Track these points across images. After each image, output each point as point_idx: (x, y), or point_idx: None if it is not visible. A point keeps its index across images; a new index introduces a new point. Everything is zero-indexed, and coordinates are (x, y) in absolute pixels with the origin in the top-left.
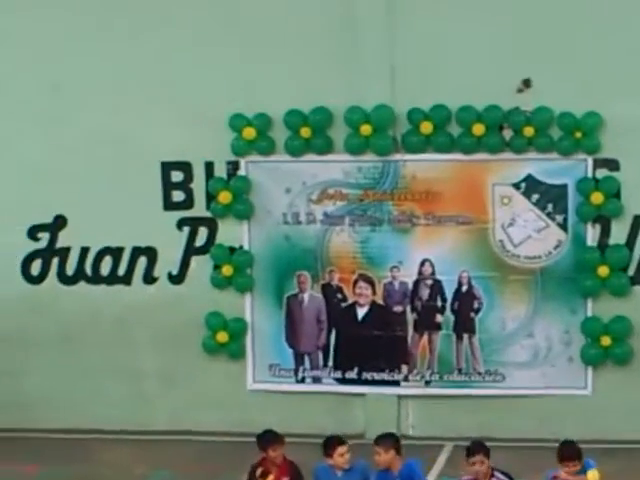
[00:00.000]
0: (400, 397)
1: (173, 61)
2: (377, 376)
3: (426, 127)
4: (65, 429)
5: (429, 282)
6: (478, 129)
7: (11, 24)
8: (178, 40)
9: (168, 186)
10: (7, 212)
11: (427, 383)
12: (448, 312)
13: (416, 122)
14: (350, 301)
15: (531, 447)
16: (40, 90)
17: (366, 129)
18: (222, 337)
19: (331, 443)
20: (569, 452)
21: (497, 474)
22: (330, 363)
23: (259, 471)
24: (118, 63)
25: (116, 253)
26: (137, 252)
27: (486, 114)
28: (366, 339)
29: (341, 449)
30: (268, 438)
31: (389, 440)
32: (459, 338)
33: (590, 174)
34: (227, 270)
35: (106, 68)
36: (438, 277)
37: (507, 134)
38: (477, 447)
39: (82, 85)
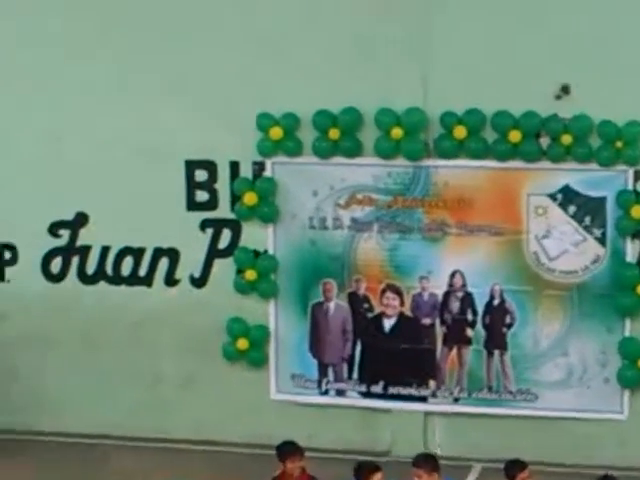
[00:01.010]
0: (427, 414)
1: (200, 60)
2: (403, 391)
3: (460, 132)
4: (82, 433)
5: (460, 294)
6: (514, 136)
7: (42, 24)
8: (204, 40)
9: (192, 186)
10: (28, 208)
11: (455, 400)
12: (479, 326)
13: (449, 126)
14: (377, 311)
15: (563, 472)
16: (66, 88)
17: (397, 132)
18: (243, 344)
19: (366, 470)
20: None
21: None
22: (355, 376)
23: None
24: (145, 63)
25: (137, 253)
26: (159, 253)
27: (523, 120)
28: (393, 352)
29: (376, 477)
30: (287, 449)
31: (432, 462)
32: (490, 354)
33: (631, 186)
34: (250, 275)
35: (133, 67)
36: (469, 289)
37: (544, 142)
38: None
39: (108, 83)
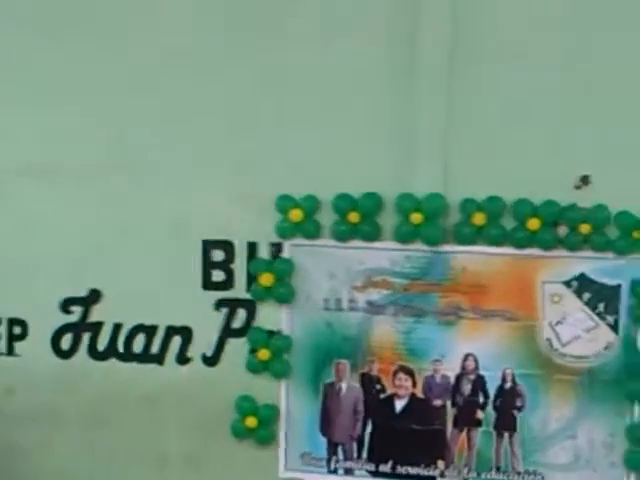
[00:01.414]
0: None
1: (220, 139)
2: (412, 470)
3: (479, 219)
4: None
5: (472, 377)
6: (533, 224)
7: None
8: (225, 116)
9: (208, 265)
10: (40, 284)
11: None
12: (490, 408)
13: (469, 213)
14: (389, 392)
15: None
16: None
17: (417, 217)
18: (251, 422)
19: None
20: None
21: None
22: (364, 455)
23: None
24: (161, 137)
25: (150, 331)
26: (171, 331)
27: (543, 209)
28: (403, 432)
29: None
30: None
31: None
32: (499, 435)
33: None
34: (263, 354)
35: (149, 142)
36: (481, 372)
37: (562, 231)
38: None
39: (126, 161)
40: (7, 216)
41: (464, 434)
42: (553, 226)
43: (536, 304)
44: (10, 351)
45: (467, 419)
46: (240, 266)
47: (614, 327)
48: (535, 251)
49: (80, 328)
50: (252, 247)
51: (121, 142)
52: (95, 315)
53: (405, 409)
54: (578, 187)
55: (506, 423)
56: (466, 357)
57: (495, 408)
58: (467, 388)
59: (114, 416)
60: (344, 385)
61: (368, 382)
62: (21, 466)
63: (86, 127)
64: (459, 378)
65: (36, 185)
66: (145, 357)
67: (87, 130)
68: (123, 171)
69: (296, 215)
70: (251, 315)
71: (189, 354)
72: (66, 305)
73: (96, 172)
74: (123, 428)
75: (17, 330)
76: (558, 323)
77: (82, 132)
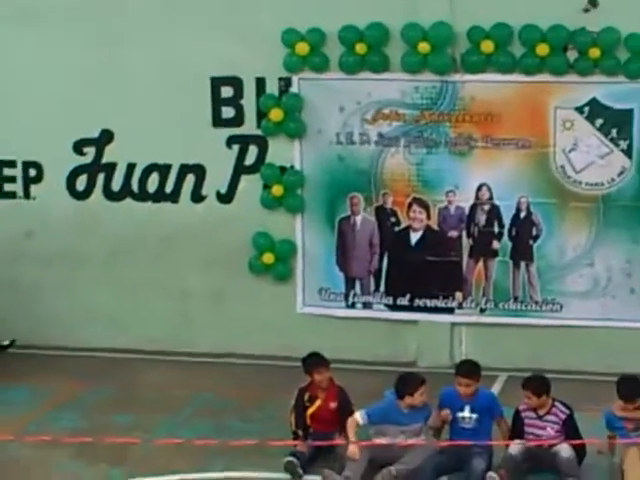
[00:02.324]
0: (453, 325)
1: None
2: (430, 303)
3: (487, 46)
4: (109, 348)
5: (486, 207)
6: (542, 49)
7: None
8: None
9: (218, 102)
10: (54, 125)
11: (482, 311)
12: (505, 238)
13: (476, 41)
14: (404, 225)
15: (588, 380)
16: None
17: (424, 47)
18: (269, 258)
19: (411, 383)
20: (629, 391)
21: (557, 404)
22: (382, 289)
23: (307, 396)
24: None
25: (163, 170)
26: (185, 169)
27: (550, 34)
28: (419, 265)
29: (421, 390)
30: (313, 361)
31: (479, 370)
32: (516, 265)
33: None
34: (277, 190)
35: None
36: (496, 202)
37: (571, 55)
38: (524, 384)
39: (135, 1)
40: (14, 61)
41: (480, 265)
42: (563, 51)
43: (548, 131)
44: (27, 194)
45: (483, 249)
46: (249, 102)
47: (628, 152)
48: (545, 77)
49: (94, 169)
50: (261, 83)
51: None
52: (108, 156)
53: (420, 241)
54: (587, 10)
55: (522, 253)
56: (480, 187)
57: (511, 238)
58: (482, 218)
59: (134, 255)
60: (359, 219)
61: (383, 215)
62: (44, 304)
63: None
64: (473, 209)
65: (33, 29)
66: (160, 196)
67: None
68: (125, 12)
69: (302, 48)
70: (263, 151)
71: (203, 192)
72: (79, 146)
73: (99, 12)
74: (142, 267)
75: (32, 173)
76: (571, 150)
77: None
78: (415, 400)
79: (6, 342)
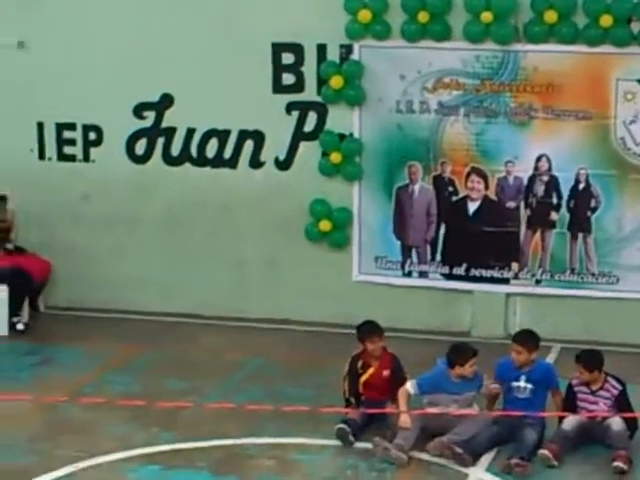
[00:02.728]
0: (508, 295)
1: None
2: (485, 273)
3: (550, 16)
4: (163, 312)
5: (545, 178)
6: (605, 20)
7: None
8: None
9: (278, 68)
10: (114, 89)
11: (537, 282)
12: (563, 210)
13: (540, 10)
14: (461, 195)
15: None
16: None
17: (486, 16)
18: (325, 226)
19: (463, 353)
20: None
21: (610, 380)
22: (438, 258)
23: (360, 363)
24: None
25: (223, 135)
26: (244, 135)
27: (614, 5)
28: (476, 235)
29: (472, 361)
30: (367, 329)
31: (534, 340)
32: (573, 237)
33: None
34: (335, 157)
35: None
36: (554, 173)
37: (635, 27)
38: (577, 358)
39: None
40: (77, 25)
41: (538, 236)
42: (626, 22)
43: (610, 102)
44: (86, 157)
45: (540, 220)
46: (310, 69)
47: None
48: (608, 48)
49: (154, 133)
50: (322, 49)
51: None
52: (168, 120)
53: (478, 211)
54: None
55: (580, 224)
56: (539, 158)
57: (569, 209)
58: (540, 189)
59: (190, 221)
60: (417, 187)
61: (441, 184)
62: (100, 267)
63: None
64: (532, 179)
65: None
66: (219, 162)
67: None
68: None
69: (365, 16)
70: (322, 118)
71: (262, 158)
72: (139, 110)
73: None
74: (199, 231)
75: (92, 136)
76: (632, 122)
77: None
78: (465, 371)
79: (20, 327)
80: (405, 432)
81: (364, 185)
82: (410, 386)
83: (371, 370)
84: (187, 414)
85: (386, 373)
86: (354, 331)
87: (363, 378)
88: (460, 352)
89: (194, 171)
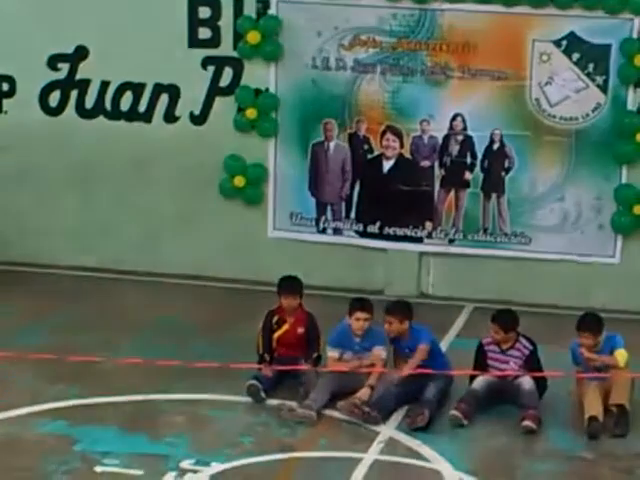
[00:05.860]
0: (422, 254)
1: None
2: (399, 232)
3: None
4: (76, 266)
5: (460, 138)
6: None
7: None
8: None
9: (194, 22)
10: (27, 39)
11: (451, 241)
12: (477, 170)
13: None
14: (376, 153)
15: (554, 314)
16: None
17: None
18: (240, 181)
19: (354, 305)
20: (587, 323)
21: (521, 339)
22: (352, 215)
23: (275, 318)
24: None
25: (137, 89)
26: (159, 89)
27: None
28: (390, 193)
29: (358, 315)
30: (284, 285)
31: (404, 310)
32: (487, 197)
33: (635, 35)
34: (251, 113)
35: None
36: (469, 133)
37: None
38: (493, 318)
39: None
40: None
41: (452, 195)
42: None
43: (525, 63)
44: None
45: (455, 180)
46: (227, 23)
47: (603, 88)
48: (525, 9)
49: (68, 85)
50: (239, 4)
51: None
52: (82, 72)
53: (392, 170)
54: None
55: (494, 184)
56: (454, 117)
57: (483, 169)
58: (455, 149)
59: (104, 174)
60: (332, 145)
61: (356, 142)
62: (13, 221)
63: None
64: (447, 139)
65: None
66: (133, 115)
67: None
68: None
69: None
70: (238, 74)
71: (177, 113)
72: (53, 62)
73: None
74: (114, 185)
75: (5, 87)
76: (547, 83)
77: None
78: (353, 324)
79: None
80: (316, 393)
81: (279, 141)
82: (331, 351)
83: (286, 326)
84: (98, 369)
85: (301, 330)
86: (268, 288)
87: (277, 334)
88: (353, 303)
89: (108, 124)
